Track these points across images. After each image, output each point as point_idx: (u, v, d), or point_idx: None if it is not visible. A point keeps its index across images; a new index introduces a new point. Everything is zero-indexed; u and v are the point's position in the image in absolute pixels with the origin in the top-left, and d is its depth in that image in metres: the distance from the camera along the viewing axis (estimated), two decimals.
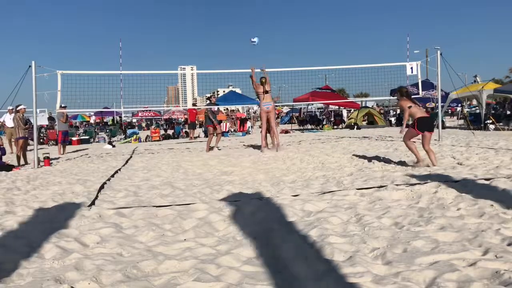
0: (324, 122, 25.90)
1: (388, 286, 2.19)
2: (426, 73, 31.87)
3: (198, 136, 21.03)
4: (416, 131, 6.75)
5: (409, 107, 6.77)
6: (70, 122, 22.17)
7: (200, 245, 3.10)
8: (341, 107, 28.99)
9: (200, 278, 2.42)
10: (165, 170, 7.89)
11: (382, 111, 31.70)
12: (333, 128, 24.69)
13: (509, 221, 3.27)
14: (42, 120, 23.43)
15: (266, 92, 10.84)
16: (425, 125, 6.68)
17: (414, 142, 6.93)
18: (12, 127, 13.31)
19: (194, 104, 27.13)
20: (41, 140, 18.76)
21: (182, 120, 36.40)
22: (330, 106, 30.89)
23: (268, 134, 11.35)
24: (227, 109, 29.16)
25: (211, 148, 11.98)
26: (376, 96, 23.87)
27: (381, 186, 4.96)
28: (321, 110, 32.68)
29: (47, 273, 2.62)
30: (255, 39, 11.31)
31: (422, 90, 15.12)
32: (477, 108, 24.51)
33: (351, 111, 27.37)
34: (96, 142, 20.60)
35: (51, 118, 23.46)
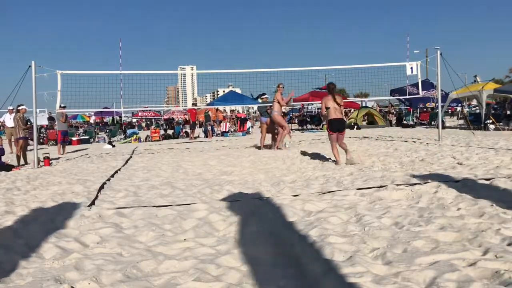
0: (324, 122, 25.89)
1: (388, 286, 2.19)
2: (426, 73, 31.88)
3: (198, 136, 21.02)
4: (330, 132, 7.62)
5: (327, 108, 7.50)
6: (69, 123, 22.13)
7: (200, 245, 3.10)
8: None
9: (200, 278, 2.42)
10: (165, 170, 7.89)
11: (390, 110, 31.58)
12: None
13: (509, 221, 3.26)
14: (42, 120, 23.43)
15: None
16: (335, 126, 7.55)
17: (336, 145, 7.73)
18: (12, 127, 13.31)
19: (194, 104, 27.12)
20: (41, 140, 18.76)
21: (182, 120, 36.31)
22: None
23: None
24: (217, 109, 28.98)
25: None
26: (376, 96, 23.87)
27: (381, 186, 4.96)
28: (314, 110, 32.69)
29: (47, 273, 2.61)
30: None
31: (422, 90, 15.14)
32: (477, 108, 24.54)
33: (351, 111, 27.38)
34: (96, 142, 20.61)
35: (50, 118, 23.43)
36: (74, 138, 19.27)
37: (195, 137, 19.94)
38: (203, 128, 23.27)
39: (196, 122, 21.67)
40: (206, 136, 21.15)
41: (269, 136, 11.72)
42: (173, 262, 2.73)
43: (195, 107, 22.65)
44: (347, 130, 21.73)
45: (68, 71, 11.07)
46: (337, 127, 7.55)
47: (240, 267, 2.62)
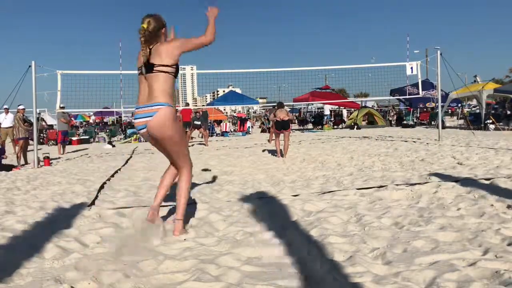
0: (324, 122, 25.91)
1: (388, 286, 2.19)
2: (426, 73, 31.93)
3: (193, 138, 20.91)
4: (275, 130, 9.63)
5: (275, 115, 9.47)
6: (72, 122, 21.98)
7: (200, 245, 3.10)
8: (341, 107, 29.03)
9: (200, 278, 2.42)
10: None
11: (391, 112, 31.59)
12: (333, 128, 24.71)
13: (509, 221, 3.26)
14: (50, 120, 23.41)
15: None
16: (278, 126, 9.39)
17: (279, 139, 9.57)
18: (8, 127, 13.29)
19: (187, 104, 26.80)
20: (41, 140, 18.75)
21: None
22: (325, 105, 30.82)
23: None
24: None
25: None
26: (376, 96, 23.89)
27: (381, 186, 4.96)
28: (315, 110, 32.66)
29: (47, 273, 2.62)
30: None
31: (422, 90, 15.14)
32: (477, 108, 24.54)
33: (351, 111, 27.41)
34: (96, 142, 20.61)
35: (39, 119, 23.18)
36: (74, 138, 19.27)
37: (191, 138, 19.73)
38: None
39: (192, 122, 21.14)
40: (201, 136, 20.17)
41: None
42: (173, 262, 2.73)
43: (187, 107, 22.26)
44: (346, 130, 21.80)
45: (68, 71, 11.08)
46: (279, 126, 9.36)
47: (240, 267, 2.62)
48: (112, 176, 7.20)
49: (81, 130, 25.67)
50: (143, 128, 3.27)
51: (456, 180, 5.10)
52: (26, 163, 10.16)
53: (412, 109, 27.35)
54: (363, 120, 26.08)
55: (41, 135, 19.49)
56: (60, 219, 4.02)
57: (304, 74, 15.39)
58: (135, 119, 3.31)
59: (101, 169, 8.41)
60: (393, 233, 3.14)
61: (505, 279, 2.15)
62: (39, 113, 23.63)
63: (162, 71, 3.17)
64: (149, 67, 3.19)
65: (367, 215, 3.69)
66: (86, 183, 6.41)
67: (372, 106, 34.20)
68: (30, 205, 4.75)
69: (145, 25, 3.18)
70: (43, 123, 21.90)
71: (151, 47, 3.20)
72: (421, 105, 25.93)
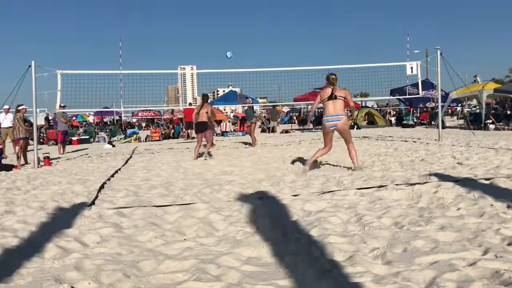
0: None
1: (388, 286, 2.19)
2: (426, 73, 31.92)
3: (194, 138, 20.91)
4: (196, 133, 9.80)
5: (198, 113, 9.60)
6: (74, 122, 21.86)
7: (200, 245, 3.11)
8: None
9: (200, 278, 2.42)
10: (165, 170, 7.89)
11: (389, 111, 31.54)
12: None
13: (509, 221, 3.26)
14: (40, 120, 23.40)
15: (334, 97, 6.53)
16: (198, 128, 9.60)
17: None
18: (8, 127, 13.27)
19: (190, 104, 26.89)
20: (41, 140, 18.74)
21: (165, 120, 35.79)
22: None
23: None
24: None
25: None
26: (376, 96, 23.87)
27: (381, 186, 4.95)
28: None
29: (47, 273, 2.62)
30: (230, 54, 12.06)
31: (422, 90, 15.14)
32: (477, 108, 24.53)
33: None
34: (96, 142, 20.60)
35: (46, 119, 23.18)
36: (74, 138, 19.27)
37: (192, 137, 19.85)
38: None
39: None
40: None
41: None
42: (173, 262, 2.73)
43: (191, 107, 22.42)
44: None
45: (68, 71, 11.07)
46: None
47: (240, 267, 2.62)
48: (112, 176, 7.20)
49: (81, 130, 25.66)
50: (334, 126, 6.51)
51: (456, 180, 5.10)
52: (26, 163, 10.17)
53: (412, 109, 27.34)
54: (363, 120, 26.06)
55: (41, 135, 19.48)
56: (60, 219, 4.02)
57: (304, 74, 15.39)
58: (328, 122, 6.52)
59: (101, 169, 8.41)
60: (393, 233, 3.14)
61: (505, 279, 2.15)
62: (48, 114, 23.61)
63: (342, 99, 6.48)
64: (334, 97, 6.43)
65: (367, 215, 3.69)
66: (86, 183, 6.41)
67: (372, 106, 34.20)
68: (30, 205, 4.75)
69: (334, 77, 6.48)
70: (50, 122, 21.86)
71: (334, 87, 6.49)
72: (421, 105, 25.93)
